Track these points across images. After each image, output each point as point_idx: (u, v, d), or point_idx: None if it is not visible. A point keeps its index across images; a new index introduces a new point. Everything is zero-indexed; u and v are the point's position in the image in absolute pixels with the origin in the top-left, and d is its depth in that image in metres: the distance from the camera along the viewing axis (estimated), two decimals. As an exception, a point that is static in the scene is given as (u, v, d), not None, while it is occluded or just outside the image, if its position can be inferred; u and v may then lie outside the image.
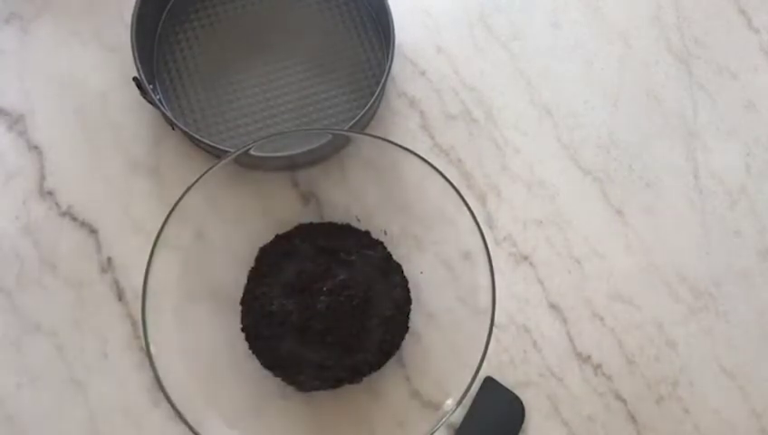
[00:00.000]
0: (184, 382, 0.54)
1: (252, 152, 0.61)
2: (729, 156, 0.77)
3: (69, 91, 0.75)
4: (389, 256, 0.68)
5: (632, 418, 0.70)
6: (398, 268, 0.68)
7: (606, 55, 0.79)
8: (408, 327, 0.67)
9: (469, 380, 0.56)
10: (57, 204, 0.72)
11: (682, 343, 0.72)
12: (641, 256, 0.74)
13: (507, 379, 0.70)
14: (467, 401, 0.68)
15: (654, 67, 0.79)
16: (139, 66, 0.68)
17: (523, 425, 0.69)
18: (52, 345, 0.69)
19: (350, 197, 0.69)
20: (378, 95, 0.69)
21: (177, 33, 0.75)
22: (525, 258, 0.73)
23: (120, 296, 0.70)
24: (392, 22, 0.70)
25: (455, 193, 0.59)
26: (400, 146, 0.60)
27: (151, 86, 0.69)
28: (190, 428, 0.53)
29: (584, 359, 0.71)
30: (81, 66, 0.75)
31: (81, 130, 0.74)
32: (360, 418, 0.66)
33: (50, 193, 0.72)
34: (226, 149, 0.68)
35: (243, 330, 0.66)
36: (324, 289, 0.64)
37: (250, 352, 0.66)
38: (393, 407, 0.67)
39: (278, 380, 0.65)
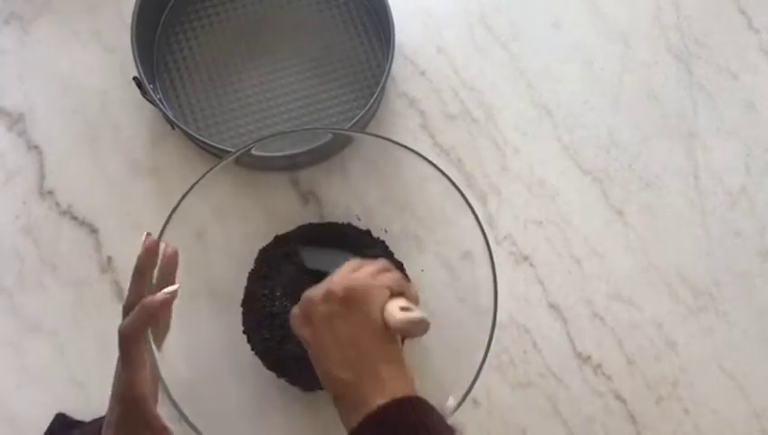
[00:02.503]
0: (185, 382, 0.54)
1: (253, 152, 0.61)
2: (729, 156, 0.77)
3: (69, 91, 0.75)
4: (391, 254, 0.68)
5: (632, 418, 0.70)
6: (399, 267, 0.68)
7: (606, 55, 0.79)
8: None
9: (470, 380, 0.56)
10: (57, 204, 0.72)
11: (682, 343, 0.72)
12: (641, 255, 0.74)
13: (507, 379, 0.70)
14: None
15: (654, 67, 0.79)
16: (139, 66, 0.68)
17: (523, 425, 0.69)
18: (52, 345, 0.69)
19: (351, 196, 0.69)
20: (377, 95, 0.69)
21: (177, 33, 0.75)
22: (525, 258, 0.73)
23: (120, 296, 0.70)
24: (392, 22, 0.70)
25: (456, 193, 0.59)
26: (403, 145, 0.60)
27: (151, 86, 0.69)
28: (192, 427, 0.53)
29: (584, 359, 0.71)
30: (81, 66, 0.75)
31: (81, 130, 0.74)
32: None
33: (50, 193, 0.72)
34: (227, 148, 0.68)
35: (244, 332, 0.66)
36: None
37: (251, 352, 0.65)
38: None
39: (279, 380, 0.65)
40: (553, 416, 0.70)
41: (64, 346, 0.69)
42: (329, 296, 0.50)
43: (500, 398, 0.70)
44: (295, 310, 0.53)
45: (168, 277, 0.53)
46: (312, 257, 0.65)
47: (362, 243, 0.68)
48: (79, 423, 0.66)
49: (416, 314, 0.49)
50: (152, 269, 0.52)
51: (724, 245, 0.75)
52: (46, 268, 0.70)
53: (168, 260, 0.53)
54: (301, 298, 0.53)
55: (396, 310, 0.50)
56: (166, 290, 0.50)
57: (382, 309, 0.50)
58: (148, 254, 0.52)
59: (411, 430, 0.46)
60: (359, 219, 0.69)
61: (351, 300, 0.50)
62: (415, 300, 0.53)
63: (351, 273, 0.53)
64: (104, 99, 0.75)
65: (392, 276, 0.53)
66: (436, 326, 0.67)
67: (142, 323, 0.48)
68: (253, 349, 0.65)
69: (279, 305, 0.64)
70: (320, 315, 0.50)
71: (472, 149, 0.75)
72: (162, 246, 0.53)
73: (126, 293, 0.52)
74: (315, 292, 0.52)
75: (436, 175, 0.59)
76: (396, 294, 0.51)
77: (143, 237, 0.52)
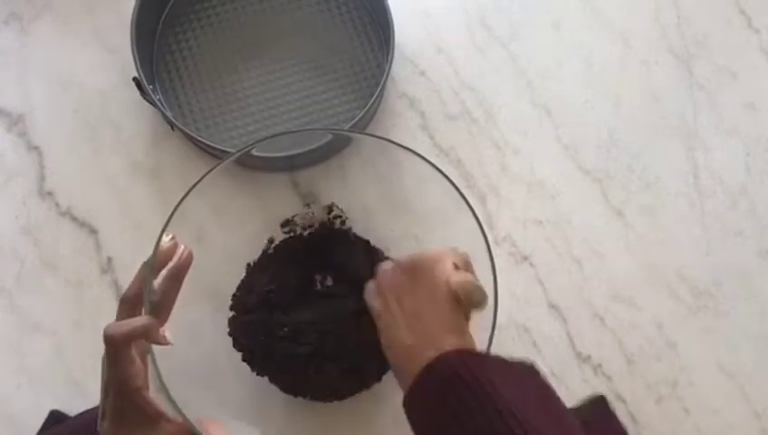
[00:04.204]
0: (185, 382, 0.54)
1: (253, 153, 0.61)
2: (729, 156, 0.77)
3: (69, 91, 0.75)
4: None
5: (632, 418, 0.70)
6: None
7: (606, 55, 0.79)
8: None
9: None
10: (57, 204, 0.72)
11: (682, 343, 0.72)
12: (641, 256, 0.74)
13: (507, 379, 0.70)
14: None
15: (654, 67, 0.79)
16: (139, 66, 0.68)
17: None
18: (52, 346, 0.69)
19: (351, 197, 0.69)
20: (377, 95, 0.69)
21: (177, 33, 0.75)
22: (525, 258, 0.73)
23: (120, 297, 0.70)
24: (392, 22, 0.70)
25: (456, 193, 0.58)
26: (403, 146, 0.60)
27: (151, 86, 0.69)
28: (191, 427, 0.53)
29: (584, 359, 0.71)
30: (81, 66, 0.75)
31: (81, 131, 0.74)
32: (361, 420, 0.66)
33: (50, 193, 0.72)
34: (226, 149, 0.68)
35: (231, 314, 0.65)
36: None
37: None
38: (394, 410, 0.66)
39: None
40: (553, 416, 0.70)
41: (64, 346, 0.69)
42: (396, 268, 0.54)
43: (500, 398, 0.70)
44: (371, 284, 0.57)
45: (177, 278, 0.53)
46: None
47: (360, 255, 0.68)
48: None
49: (474, 279, 0.51)
50: (163, 268, 0.52)
51: (724, 244, 0.75)
52: (46, 268, 0.70)
53: (182, 262, 0.53)
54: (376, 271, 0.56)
55: (456, 275, 0.51)
56: (168, 335, 0.50)
57: (447, 279, 0.51)
58: (167, 254, 0.52)
59: (460, 379, 0.45)
60: (342, 222, 0.69)
61: (417, 270, 0.52)
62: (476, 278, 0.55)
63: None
64: (104, 99, 0.75)
65: (458, 252, 0.54)
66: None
67: (128, 336, 0.48)
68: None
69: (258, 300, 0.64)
70: (388, 286, 0.54)
71: (472, 150, 0.75)
72: (180, 248, 0.53)
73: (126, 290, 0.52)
74: (386, 265, 0.56)
75: (436, 175, 0.59)
76: (458, 266, 0.53)
77: (168, 238, 0.52)
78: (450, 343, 0.48)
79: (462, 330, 0.51)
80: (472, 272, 0.54)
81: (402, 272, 0.54)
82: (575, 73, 0.78)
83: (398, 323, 0.52)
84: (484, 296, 0.51)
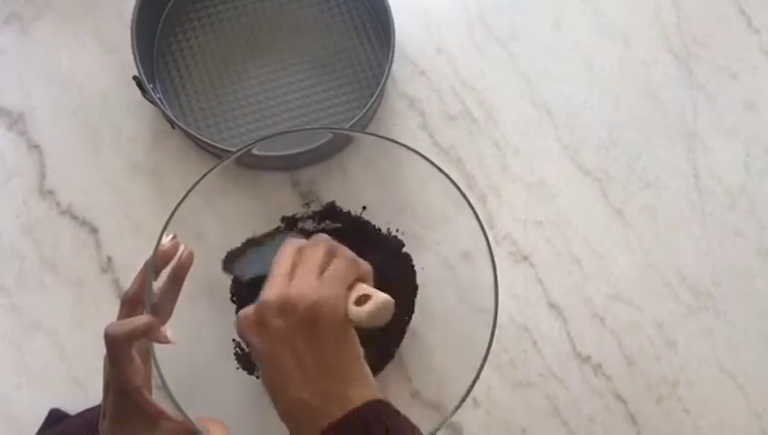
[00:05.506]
0: (185, 382, 0.54)
1: (253, 152, 0.61)
2: (729, 156, 0.77)
3: (69, 91, 0.75)
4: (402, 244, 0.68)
5: (632, 418, 0.70)
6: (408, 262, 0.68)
7: (606, 55, 0.79)
8: (407, 323, 0.67)
9: (471, 380, 0.56)
10: (57, 203, 0.72)
11: (682, 343, 0.72)
12: (641, 255, 0.74)
13: (507, 379, 0.70)
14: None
15: (654, 67, 0.79)
16: (139, 66, 0.68)
17: (523, 425, 0.69)
18: (52, 345, 0.69)
19: (351, 196, 0.69)
20: (377, 95, 0.69)
21: (177, 33, 0.75)
22: (525, 258, 0.73)
23: (120, 296, 0.70)
24: (392, 22, 0.70)
25: (456, 192, 0.58)
26: (403, 145, 0.60)
27: (151, 85, 0.69)
28: (192, 425, 0.53)
29: (584, 359, 0.71)
30: (81, 66, 0.75)
31: (81, 130, 0.74)
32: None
33: (50, 192, 0.72)
34: (227, 148, 0.68)
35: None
36: None
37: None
38: (394, 399, 0.66)
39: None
40: (553, 416, 0.70)
41: (64, 346, 0.69)
42: (287, 309, 0.46)
43: (500, 398, 0.70)
44: (248, 311, 0.48)
45: (178, 278, 0.52)
46: (243, 266, 0.63)
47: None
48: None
49: (375, 300, 0.46)
50: (164, 268, 0.52)
51: (723, 245, 0.75)
52: (46, 268, 0.70)
53: (182, 262, 0.52)
54: (258, 301, 0.48)
55: (357, 308, 0.46)
56: (169, 334, 0.49)
57: (346, 313, 0.47)
58: (168, 253, 0.52)
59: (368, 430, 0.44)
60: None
61: (315, 318, 0.46)
62: (370, 275, 0.50)
63: (298, 267, 0.48)
64: (104, 99, 0.75)
65: (343, 265, 0.48)
66: (436, 325, 0.67)
67: (129, 335, 0.48)
68: None
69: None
70: (277, 328, 0.46)
71: (472, 149, 0.75)
72: (181, 248, 0.53)
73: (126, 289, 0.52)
74: (270, 296, 0.47)
75: (436, 174, 0.59)
76: (351, 285, 0.48)
77: (168, 238, 0.52)
78: (358, 396, 0.46)
79: (364, 372, 0.48)
80: (361, 271, 0.49)
81: (295, 315, 0.46)
82: (575, 73, 0.78)
83: (287, 372, 0.46)
84: (391, 308, 0.47)
